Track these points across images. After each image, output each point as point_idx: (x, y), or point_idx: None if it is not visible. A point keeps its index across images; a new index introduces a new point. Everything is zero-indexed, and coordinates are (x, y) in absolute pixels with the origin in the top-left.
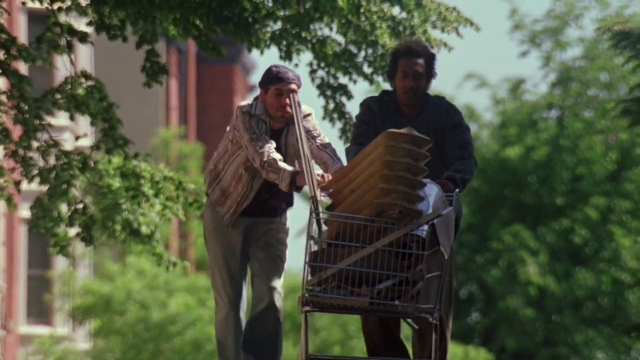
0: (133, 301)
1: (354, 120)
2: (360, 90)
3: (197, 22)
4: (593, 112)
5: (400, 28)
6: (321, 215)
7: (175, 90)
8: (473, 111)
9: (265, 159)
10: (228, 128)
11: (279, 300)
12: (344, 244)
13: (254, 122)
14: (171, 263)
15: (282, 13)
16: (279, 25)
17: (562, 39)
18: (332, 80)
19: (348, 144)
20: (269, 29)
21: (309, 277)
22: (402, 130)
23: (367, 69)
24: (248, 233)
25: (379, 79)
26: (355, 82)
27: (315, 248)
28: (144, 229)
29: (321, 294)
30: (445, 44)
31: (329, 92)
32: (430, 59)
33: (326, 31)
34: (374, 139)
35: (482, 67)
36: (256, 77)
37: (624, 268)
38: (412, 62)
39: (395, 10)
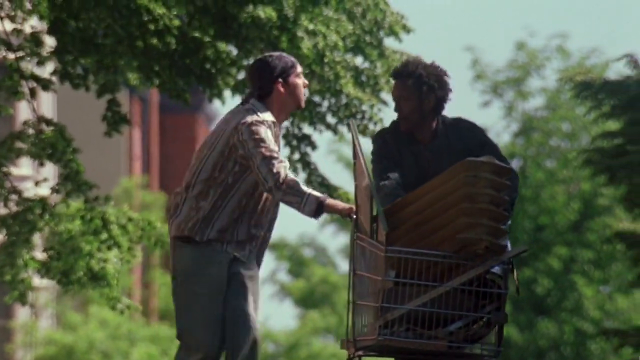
0: (96, 351)
1: (372, 156)
2: (325, 140)
3: (159, 70)
4: (555, 162)
5: (364, 78)
6: (393, 251)
7: (138, 139)
8: None
9: (282, 179)
10: (213, 162)
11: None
12: (420, 283)
13: (268, 129)
14: (125, 307)
15: (245, 62)
16: (242, 74)
17: (524, 89)
18: (296, 131)
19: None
20: (232, 78)
21: (374, 319)
22: (483, 159)
23: (331, 119)
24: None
25: (344, 128)
26: (320, 132)
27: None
28: (110, 269)
29: (393, 337)
30: None
31: (294, 142)
32: (421, 76)
33: None
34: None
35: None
36: None
37: (587, 318)
38: (396, 86)
39: (359, 60)
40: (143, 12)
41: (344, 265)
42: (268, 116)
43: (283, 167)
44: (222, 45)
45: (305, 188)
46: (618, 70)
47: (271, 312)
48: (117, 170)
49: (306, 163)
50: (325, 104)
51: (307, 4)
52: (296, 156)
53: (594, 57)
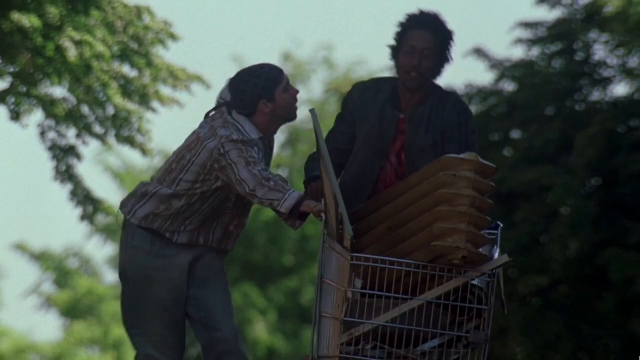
0: None
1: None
2: (92, 151)
3: None
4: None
5: (132, 88)
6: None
7: None
8: None
9: (267, 177)
10: (195, 172)
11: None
12: (390, 295)
13: (252, 149)
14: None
15: (11, 69)
16: (6, 83)
17: None
18: (63, 142)
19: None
20: None
21: (338, 334)
22: (465, 156)
23: (99, 130)
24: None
25: (112, 139)
26: (86, 143)
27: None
28: None
29: (357, 357)
30: (177, 102)
31: (60, 155)
32: (447, 37)
33: (57, 90)
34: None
35: None
36: None
37: None
38: (422, 35)
39: (126, 69)
40: None
41: (109, 276)
42: (253, 133)
43: (266, 170)
44: None
45: (289, 186)
46: None
47: (36, 323)
48: None
49: (71, 175)
50: (93, 114)
51: (71, 13)
52: (62, 168)
53: (359, 69)
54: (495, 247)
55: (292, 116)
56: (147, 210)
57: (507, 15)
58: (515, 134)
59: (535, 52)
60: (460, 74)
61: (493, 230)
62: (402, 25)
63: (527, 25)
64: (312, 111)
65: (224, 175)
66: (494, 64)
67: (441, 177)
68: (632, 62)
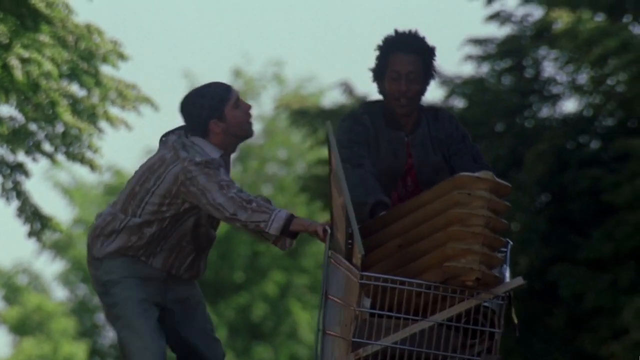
0: None
1: (340, 137)
2: (41, 168)
3: None
4: (272, 189)
5: (81, 107)
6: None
7: None
8: None
9: (246, 198)
10: (160, 196)
11: None
12: (399, 316)
13: (219, 170)
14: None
15: None
16: None
17: None
18: (10, 159)
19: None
20: None
21: (345, 354)
22: (480, 175)
23: (48, 148)
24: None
25: (61, 157)
26: (36, 160)
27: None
28: None
29: None
30: (125, 123)
31: (7, 171)
32: (430, 55)
33: (4, 109)
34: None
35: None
36: None
37: (302, 342)
38: (405, 59)
39: (75, 88)
40: None
41: (59, 292)
42: (214, 153)
43: (241, 191)
44: None
45: (273, 205)
46: (333, 98)
47: None
48: None
49: (19, 192)
50: (42, 131)
51: (20, 30)
52: (9, 185)
53: (309, 85)
54: (505, 266)
55: (246, 133)
56: (118, 245)
57: (457, 31)
58: None
59: (485, 68)
60: None
61: (502, 248)
62: (381, 49)
63: (477, 41)
64: (327, 124)
65: (192, 200)
66: (444, 80)
67: (455, 195)
68: (581, 78)
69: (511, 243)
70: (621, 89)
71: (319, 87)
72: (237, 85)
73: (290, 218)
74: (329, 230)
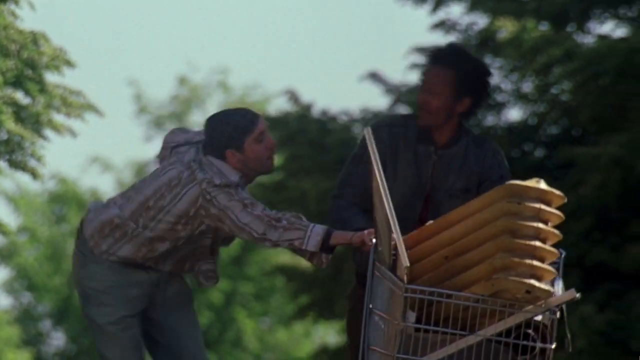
0: None
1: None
2: None
3: None
4: None
5: (25, 114)
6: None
7: None
8: (97, 195)
9: (277, 216)
10: (176, 215)
11: None
12: (446, 330)
13: (240, 190)
14: None
15: None
16: None
17: (186, 124)
18: None
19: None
20: None
21: None
22: (530, 183)
23: None
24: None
25: (4, 165)
26: None
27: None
28: None
29: None
30: (71, 130)
31: None
32: (468, 71)
33: None
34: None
35: (107, 151)
36: None
37: (247, 351)
38: (432, 72)
39: (19, 95)
40: None
41: (3, 301)
42: (232, 176)
43: (266, 209)
44: None
45: (305, 221)
46: (278, 106)
47: None
48: None
49: None
50: None
51: None
52: None
53: (255, 92)
54: (558, 278)
55: (264, 169)
56: (127, 252)
57: (402, 39)
58: None
59: None
60: (356, 98)
61: (555, 260)
62: (426, 61)
63: (422, 50)
64: (366, 130)
65: (214, 223)
66: (389, 88)
67: (505, 204)
68: (526, 86)
69: (564, 253)
70: (565, 98)
71: (264, 95)
72: (181, 92)
73: (329, 232)
74: (374, 241)
